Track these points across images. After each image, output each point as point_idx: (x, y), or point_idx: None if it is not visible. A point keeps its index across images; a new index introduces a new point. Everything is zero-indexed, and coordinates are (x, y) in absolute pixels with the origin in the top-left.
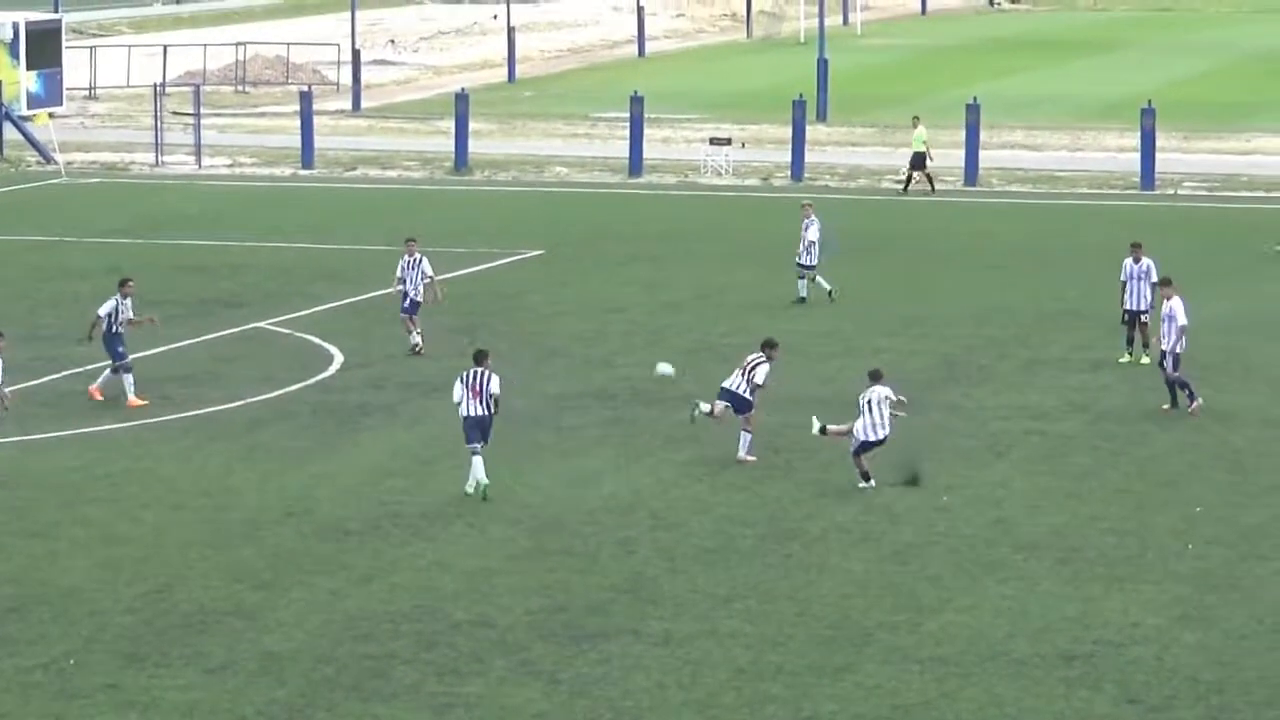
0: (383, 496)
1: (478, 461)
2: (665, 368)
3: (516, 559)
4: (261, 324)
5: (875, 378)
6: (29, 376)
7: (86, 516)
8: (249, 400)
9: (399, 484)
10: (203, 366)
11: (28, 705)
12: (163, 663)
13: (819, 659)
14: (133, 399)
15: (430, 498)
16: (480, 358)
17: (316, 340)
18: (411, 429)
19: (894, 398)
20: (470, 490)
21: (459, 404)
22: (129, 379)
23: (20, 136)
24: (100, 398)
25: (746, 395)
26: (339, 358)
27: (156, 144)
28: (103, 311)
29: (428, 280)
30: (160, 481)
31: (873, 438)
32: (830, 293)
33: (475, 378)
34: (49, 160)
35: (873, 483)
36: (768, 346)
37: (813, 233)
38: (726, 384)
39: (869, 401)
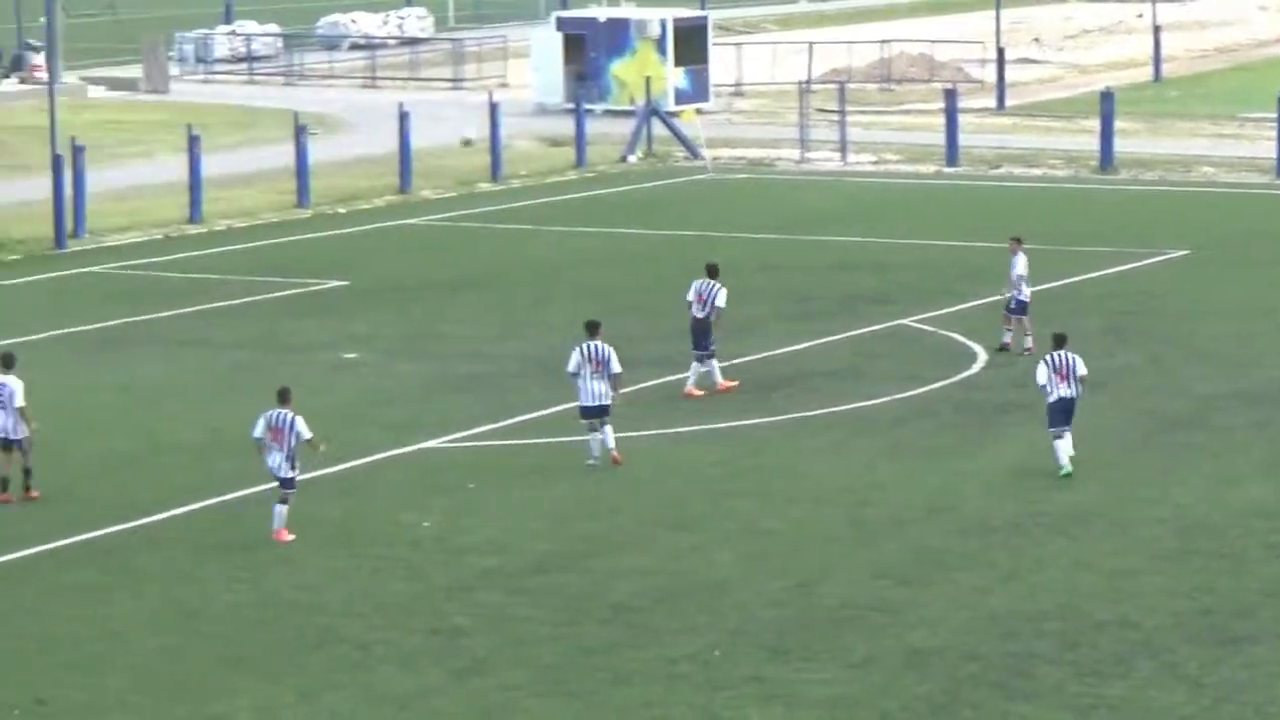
0: (1025, 494)
1: (1059, 445)
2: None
3: (1161, 559)
4: (905, 321)
5: None
6: (674, 371)
7: (733, 510)
8: (893, 397)
9: (1040, 483)
10: (847, 362)
11: (674, 695)
12: (806, 656)
13: None
14: (721, 383)
15: (1073, 496)
16: (1059, 341)
17: (959, 338)
18: None
19: None
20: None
21: (1043, 386)
22: (714, 364)
23: (668, 132)
24: (699, 393)
25: None
26: (982, 356)
27: (801, 140)
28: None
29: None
30: (804, 476)
31: None
32: None
33: (1061, 362)
34: (696, 156)
35: None
36: None
37: None
38: None
39: None
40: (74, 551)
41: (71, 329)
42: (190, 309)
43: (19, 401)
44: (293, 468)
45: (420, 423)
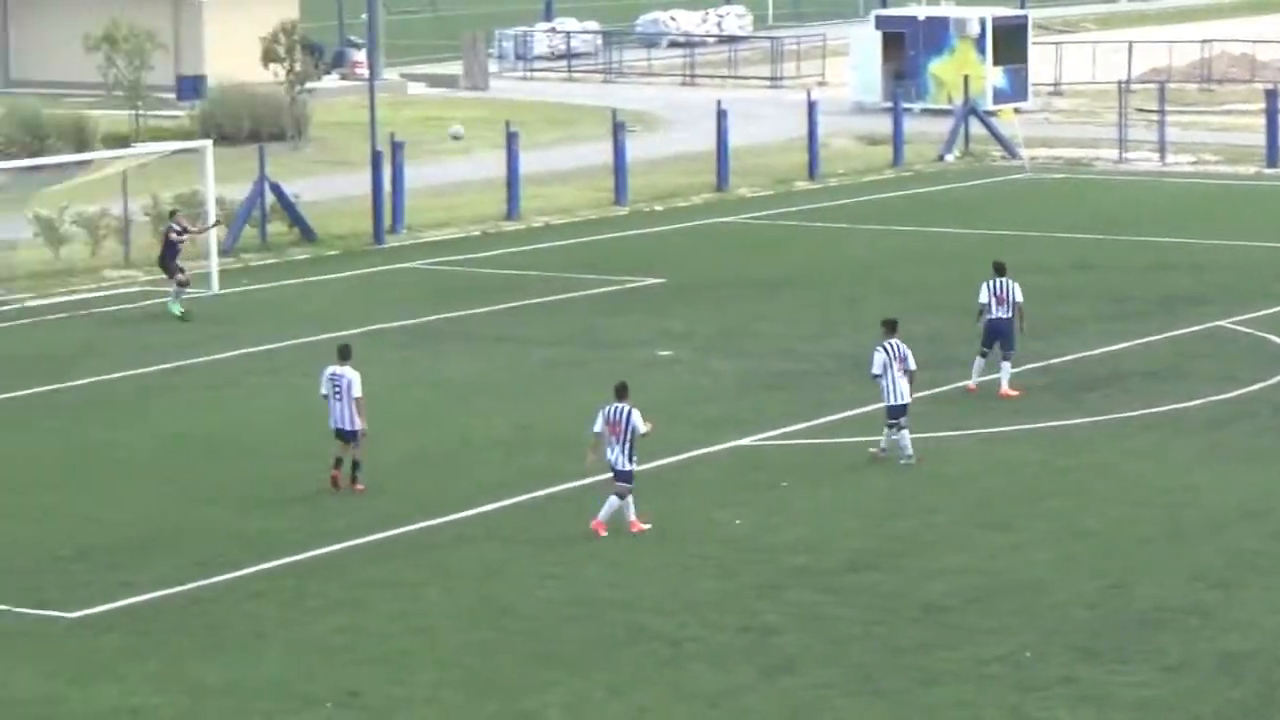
0: None
1: None
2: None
3: None
4: (1222, 322)
5: None
6: (988, 371)
7: (1048, 510)
8: (1210, 399)
9: None
10: (1164, 363)
11: (984, 695)
12: (1119, 658)
13: None
14: (1006, 390)
15: None
16: None
17: (1277, 340)
18: None
19: None
20: None
21: None
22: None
23: (986, 131)
24: (1014, 393)
25: None
26: None
27: (1120, 140)
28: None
29: None
30: (1121, 477)
31: None
32: None
33: None
34: (1013, 155)
35: None
36: None
37: None
38: None
39: None
40: (385, 546)
41: (386, 324)
42: (505, 305)
43: (355, 392)
44: (630, 461)
45: (734, 420)
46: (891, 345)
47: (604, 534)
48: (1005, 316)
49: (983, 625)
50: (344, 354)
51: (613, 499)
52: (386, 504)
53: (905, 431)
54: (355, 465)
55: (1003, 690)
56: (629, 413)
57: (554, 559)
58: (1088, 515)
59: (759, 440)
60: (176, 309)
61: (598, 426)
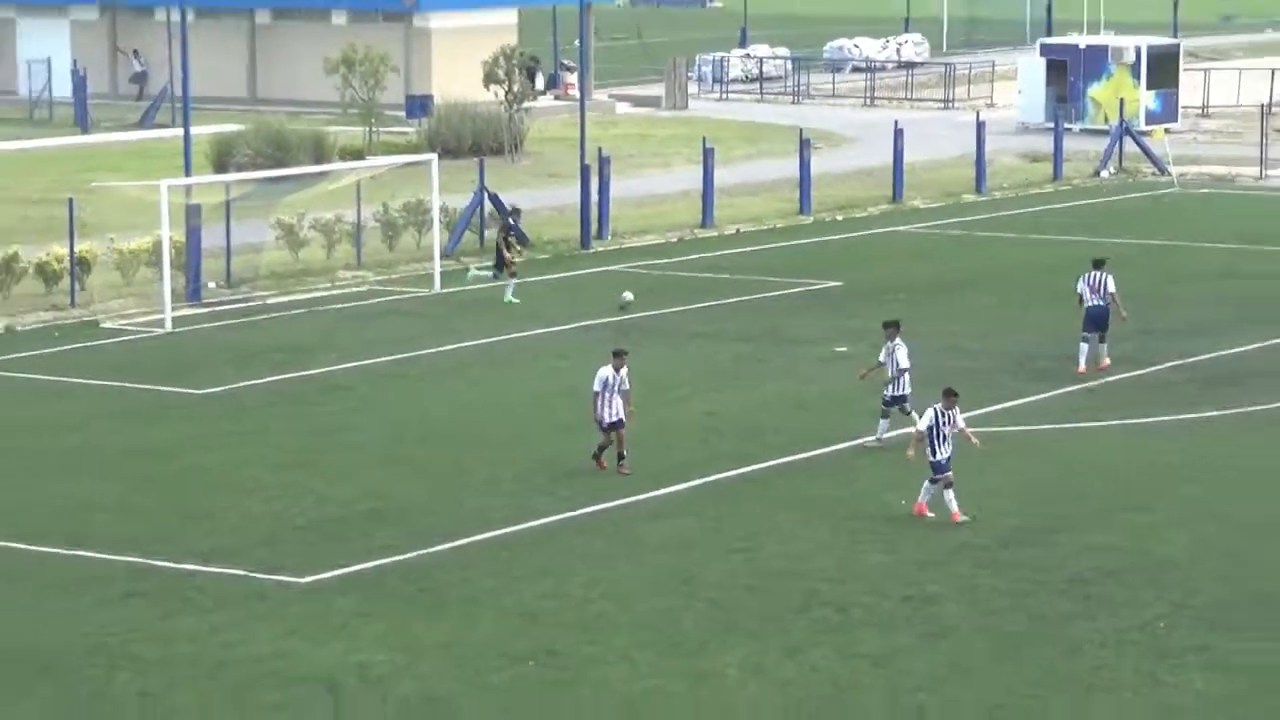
0: None
1: None
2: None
3: None
4: None
5: None
6: (1135, 368)
7: (1186, 495)
8: None
9: None
10: (1272, 368)
11: (1122, 661)
12: (1245, 631)
13: None
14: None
15: None
16: None
17: None
18: None
19: None
20: None
21: None
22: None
23: (1138, 150)
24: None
25: None
26: None
27: (1261, 158)
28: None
29: None
30: (1252, 467)
31: None
32: None
33: None
34: (1163, 172)
35: None
36: None
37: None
38: None
39: None
40: (585, 522)
41: (591, 321)
42: (699, 305)
43: (625, 385)
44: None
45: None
46: (901, 341)
47: (963, 518)
48: (1101, 304)
49: (1121, 598)
50: (618, 355)
51: (930, 486)
52: (589, 483)
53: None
54: (621, 456)
55: (1139, 657)
56: (952, 414)
57: (737, 535)
58: (1220, 501)
59: (920, 428)
60: (510, 298)
61: (923, 425)
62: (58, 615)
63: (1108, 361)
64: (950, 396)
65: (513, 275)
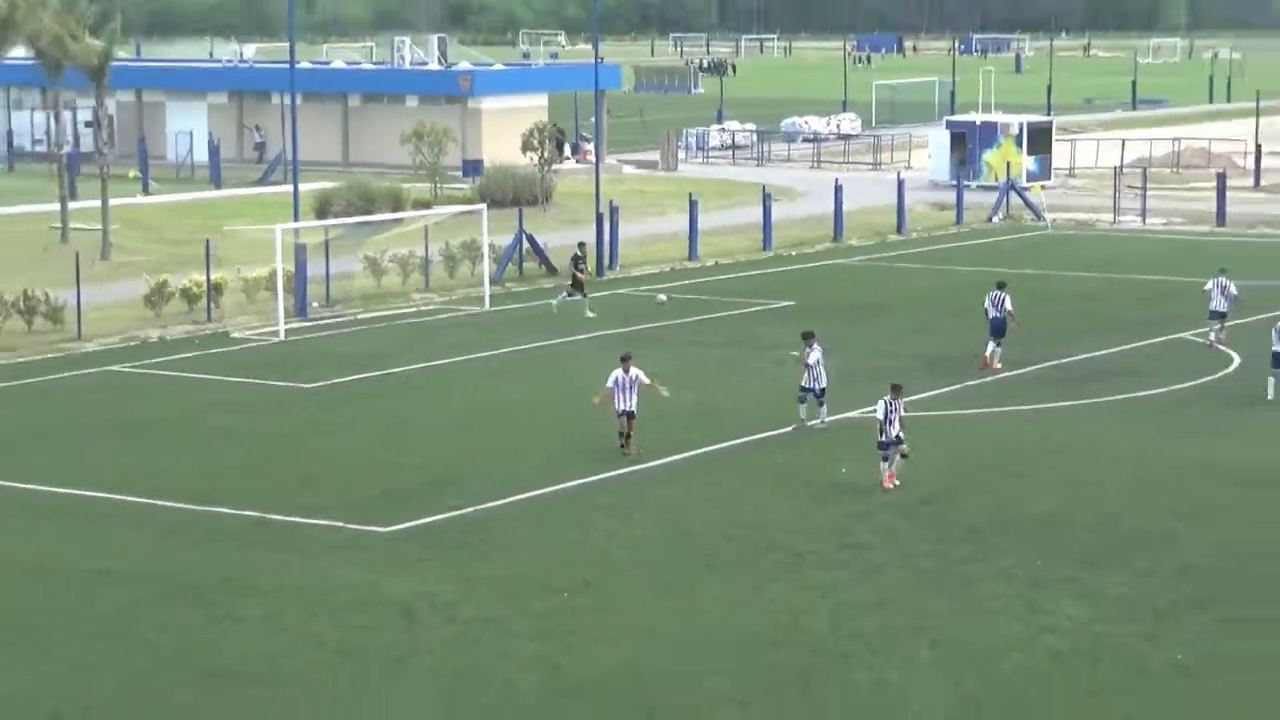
0: (1274, 456)
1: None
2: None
3: None
4: (1184, 335)
5: None
6: (1020, 367)
7: (1052, 464)
8: (1169, 388)
9: None
10: (1141, 364)
11: (1010, 591)
12: (1106, 567)
13: None
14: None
15: None
16: None
17: (1221, 348)
18: None
19: None
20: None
21: None
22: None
23: (1021, 201)
24: (999, 365)
25: None
26: (1237, 360)
27: (1115, 208)
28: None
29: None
30: (1106, 443)
31: None
32: None
33: None
34: (1040, 218)
35: None
36: None
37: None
38: None
39: None
40: (604, 484)
41: (607, 331)
42: (688, 319)
43: (644, 380)
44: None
45: (842, 400)
46: (816, 346)
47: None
48: (1000, 317)
49: (1008, 544)
50: (625, 358)
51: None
52: (607, 457)
53: (825, 408)
54: (630, 434)
55: (1023, 588)
56: (898, 405)
57: (718, 496)
58: (1081, 470)
59: (860, 414)
60: (589, 313)
61: (879, 413)
62: (200, 556)
63: (999, 365)
64: (897, 389)
65: (584, 294)
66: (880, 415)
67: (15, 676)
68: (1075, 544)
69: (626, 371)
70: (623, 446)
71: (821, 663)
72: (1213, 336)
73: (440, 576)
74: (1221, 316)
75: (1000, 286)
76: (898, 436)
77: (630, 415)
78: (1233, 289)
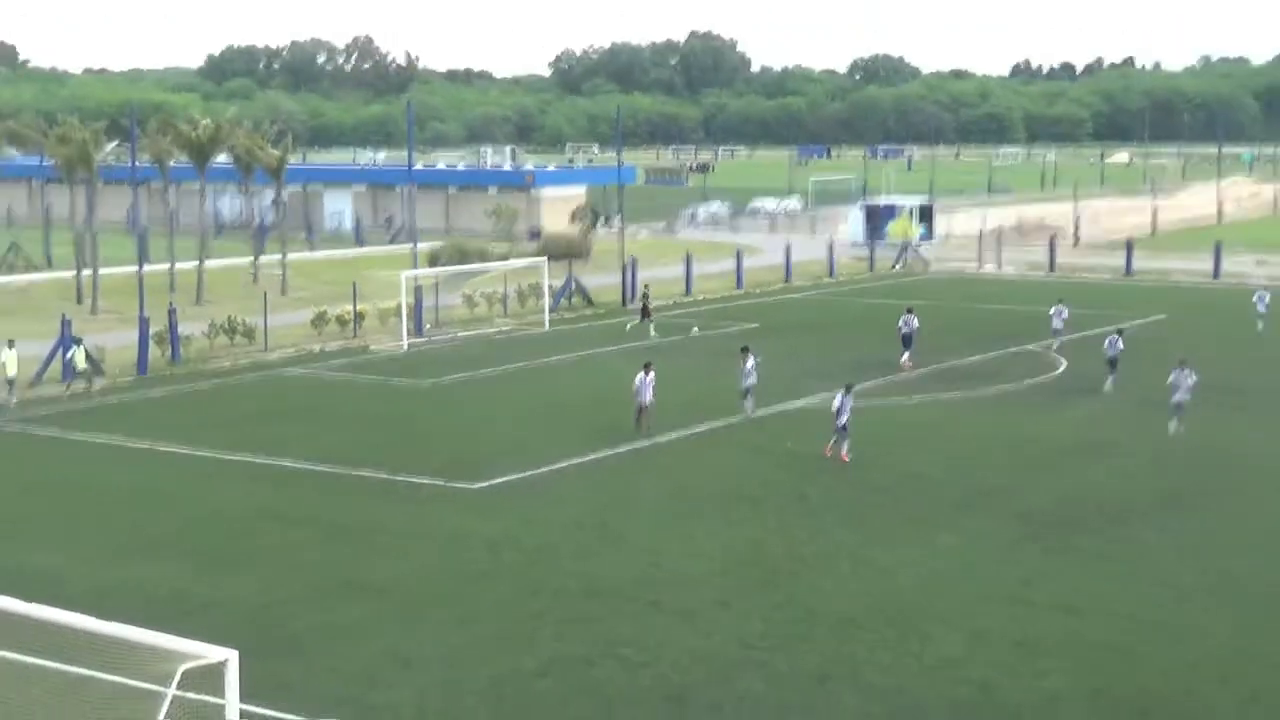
0: (1086, 432)
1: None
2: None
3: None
4: (1028, 346)
5: None
6: (920, 367)
7: (938, 438)
8: (1019, 384)
9: (1089, 426)
10: (997, 367)
11: (908, 527)
12: (971, 511)
13: None
14: (908, 366)
15: (1105, 433)
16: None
17: (1055, 356)
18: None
19: None
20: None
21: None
22: (909, 357)
23: (912, 255)
24: (909, 365)
25: None
26: (1063, 365)
27: (978, 258)
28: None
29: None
30: (969, 423)
31: None
32: None
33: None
34: (925, 266)
35: None
36: None
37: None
38: None
39: None
40: (624, 456)
41: (627, 345)
42: (685, 336)
43: (650, 380)
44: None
45: (793, 392)
46: (754, 360)
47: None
48: (908, 332)
49: (905, 495)
50: (647, 367)
51: (836, 440)
52: (626, 435)
53: (752, 400)
54: (643, 420)
55: (916, 526)
56: (848, 401)
57: (705, 463)
58: (955, 442)
59: (804, 403)
60: (653, 333)
61: (835, 404)
62: (347, 504)
63: (910, 364)
64: (849, 388)
65: (649, 319)
66: (835, 405)
67: (228, 585)
68: (949, 495)
69: (646, 374)
70: (638, 426)
71: (776, 576)
72: (1056, 346)
73: (511, 518)
74: (1059, 333)
75: (910, 310)
76: (843, 425)
77: (647, 406)
78: (1065, 313)
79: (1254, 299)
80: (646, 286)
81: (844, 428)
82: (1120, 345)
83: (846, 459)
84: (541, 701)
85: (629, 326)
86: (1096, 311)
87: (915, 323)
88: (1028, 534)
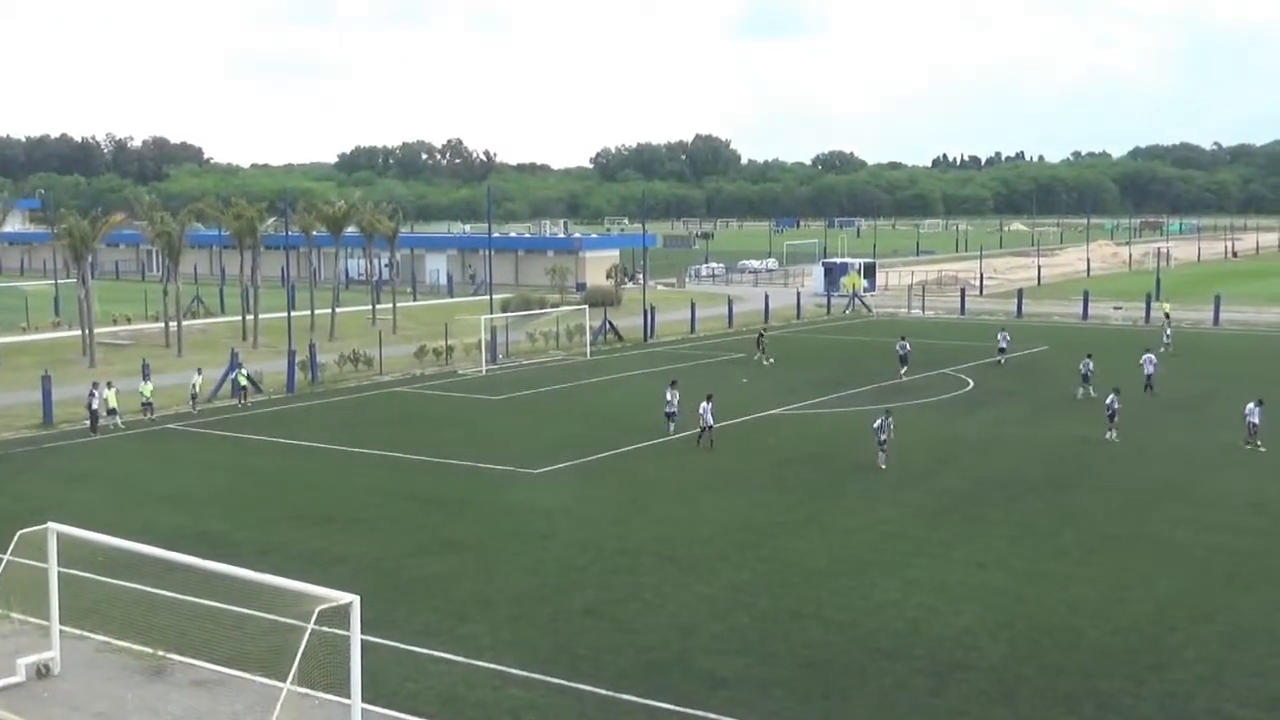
0: (995, 428)
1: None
2: (744, 380)
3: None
4: (946, 370)
5: None
6: (890, 379)
7: (889, 441)
8: (939, 397)
9: (984, 425)
10: (926, 384)
11: (862, 501)
12: (905, 489)
13: None
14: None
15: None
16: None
17: (964, 377)
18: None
19: None
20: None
21: None
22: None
23: (858, 302)
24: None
25: None
26: (971, 384)
27: (908, 304)
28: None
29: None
30: (912, 425)
31: None
32: None
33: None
34: (869, 310)
35: None
36: None
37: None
38: None
39: None
40: (653, 447)
41: (649, 370)
42: (692, 363)
43: (669, 396)
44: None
45: (775, 402)
46: (678, 393)
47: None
48: (903, 354)
49: (858, 478)
50: (674, 384)
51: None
52: (655, 433)
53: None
54: (704, 438)
55: (868, 499)
56: (889, 423)
57: (708, 455)
58: (893, 439)
59: (782, 411)
60: (764, 362)
61: (876, 424)
62: (441, 484)
63: (905, 378)
64: (889, 412)
65: (762, 351)
66: (876, 425)
67: (353, 545)
68: (889, 477)
69: (674, 390)
70: (699, 443)
71: (762, 538)
72: (1002, 362)
73: (565, 495)
74: (1004, 351)
75: (903, 338)
76: (883, 441)
77: (673, 415)
78: (1008, 337)
79: (998, 337)
80: (763, 331)
81: (883, 443)
82: (1091, 365)
83: (883, 467)
84: (586, 633)
85: (762, 359)
86: (994, 344)
87: (909, 346)
88: (948, 506)
